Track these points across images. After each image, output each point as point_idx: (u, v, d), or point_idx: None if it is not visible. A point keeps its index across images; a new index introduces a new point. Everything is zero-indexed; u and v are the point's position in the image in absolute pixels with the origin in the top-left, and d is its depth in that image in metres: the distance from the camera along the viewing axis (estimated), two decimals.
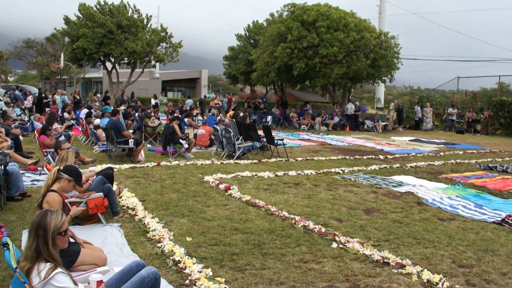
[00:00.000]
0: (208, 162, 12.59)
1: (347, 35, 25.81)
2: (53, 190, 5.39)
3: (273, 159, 13.60)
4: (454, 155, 16.61)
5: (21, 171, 8.59)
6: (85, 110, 19.46)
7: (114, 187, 7.61)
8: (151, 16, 31.99)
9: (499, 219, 7.64)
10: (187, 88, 53.14)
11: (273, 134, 14.98)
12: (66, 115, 20.68)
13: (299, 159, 13.96)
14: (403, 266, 5.27)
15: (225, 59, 41.31)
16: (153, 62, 32.50)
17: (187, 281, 4.79)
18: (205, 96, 36.48)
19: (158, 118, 17.36)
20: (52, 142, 11.26)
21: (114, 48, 28.70)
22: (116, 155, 12.73)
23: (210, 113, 21.82)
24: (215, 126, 15.44)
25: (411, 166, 13.29)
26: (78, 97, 26.49)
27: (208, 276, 4.85)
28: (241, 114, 18.13)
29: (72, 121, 20.18)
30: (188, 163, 12.27)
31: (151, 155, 13.52)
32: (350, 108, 28.41)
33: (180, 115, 17.09)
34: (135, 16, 30.77)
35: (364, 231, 6.71)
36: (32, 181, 9.69)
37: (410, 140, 21.88)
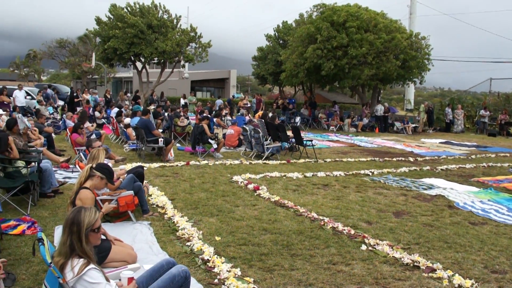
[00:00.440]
0: (236, 162, 12.63)
1: (377, 36, 25.59)
2: (85, 187, 5.48)
3: (302, 160, 13.57)
4: (486, 158, 16.27)
5: (53, 169, 8.75)
6: (115, 109, 19.72)
7: None
8: (180, 16, 32.24)
9: None
10: (216, 88, 53.31)
11: (301, 134, 14.94)
12: (97, 114, 20.98)
13: (328, 160, 13.89)
14: (433, 270, 5.20)
15: (254, 60, 41.32)
16: (182, 62, 32.72)
17: (216, 280, 4.82)
18: (233, 96, 36.55)
19: (187, 118, 17.48)
20: (83, 141, 11.44)
21: (144, 48, 28.99)
22: (146, 154, 12.87)
23: (239, 113, 21.86)
24: (244, 126, 15.47)
25: (441, 169, 13.09)
26: (109, 97, 26.85)
27: (237, 276, 4.86)
28: (270, 115, 18.12)
29: (103, 120, 20.47)
30: (217, 162, 12.32)
31: (180, 155, 13.63)
32: (380, 109, 28.12)
33: (209, 115, 17.17)
34: (165, 16, 31.02)
35: (394, 233, 6.64)
36: (64, 178, 9.87)
37: (440, 143, 21.55)
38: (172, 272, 3.76)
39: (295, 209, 7.74)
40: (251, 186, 9.30)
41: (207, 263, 5.21)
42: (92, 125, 15.87)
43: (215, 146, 13.37)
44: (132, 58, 31.05)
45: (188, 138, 16.09)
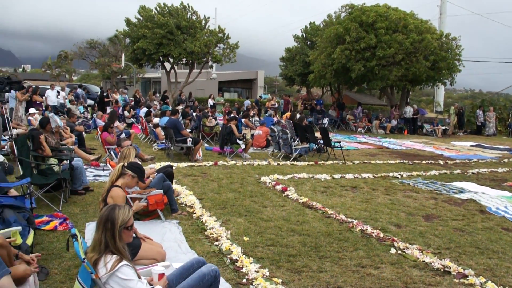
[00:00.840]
0: (264, 162, 12.63)
1: (406, 37, 25.30)
2: (117, 185, 5.55)
3: (330, 162, 13.51)
4: None
5: (84, 167, 8.89)
6: (144, 109, 19.91)
7: None
8: (209, 17, 32.39)
9: None
10: (243, 88, 53.48)
11: (329, 136, 14.88)
12: (126, 113, 21.23)
13: (356, 162, 13.80)
14: (465, 276, 5.11)
15: (282, 60, 41.29)
16: (210, 63, 32.87)
17: (244, 280, 4.83)
18: (260, 97, 36.59)
19: (215, 118, 17.56)
20: (113, 140, 11.59)
21: (173, 48, 29.22)
22: (175, 153, 12.97)
23: (267, 114, 21.86)
24: (272, 127, 15.46)
25: (472, 173, 12.87)
26: (138, 97, 27.14)
27: (265, 276, 4.87)
28: (298, 116, 18.08)
29: (132, 119, 20.72)
30: (245, 163, 12.35)
31: (208, 155, 13.69)
32: (409, 111, 27.82)
33: (237, 116, 17.22)
34: (194, 17, 31.21)
35: (424, 237, 6.56)
36: (94, 176, 10.03)
37: (471, 146, 21.20)
38: (202, 271, 3.78)
39: (324, 210, 7.71)
40: (279, 187, 9.30)
41: (235, 263, 5.22)
42: (123, 124, 16.06)
43: (243, 146, 13.41)
44: (161, 58, 31.32)
45: (216, 138, 16.16)
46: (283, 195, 8.82)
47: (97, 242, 3.40)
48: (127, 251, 3.52)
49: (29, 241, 5.10)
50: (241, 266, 5.12)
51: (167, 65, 33.02)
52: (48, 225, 6.36)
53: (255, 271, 4.97)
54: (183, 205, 7.74)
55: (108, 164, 8.21)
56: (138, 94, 28.05)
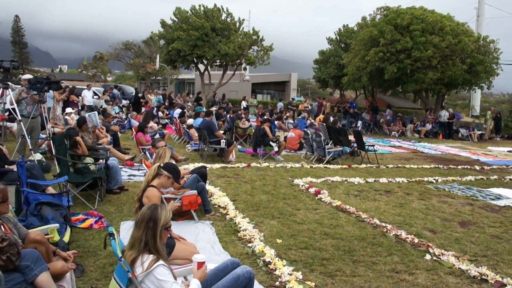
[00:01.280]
0: (297, 165, 12.59)
1: (442, 39, 24.90)
2: (152, 185, 5.61)
3: (363, 165, 13.38)
4: None
5: (119, 166, 9.02)
6: (178, 110, 20.08)
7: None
8: (243, 19, 32.52)
9: None
10: (276, 91, 53.44)
11: (363, 139, 14.74)
12: (160, 114, 21.44)
13: (390, 166, 13.65)
14: (503, 285, 5.00)
15: (315, 63, 41.15)
16: (244, 65, 32.98)
17: (277, 283, 4.82)
18: (293, 99, 36.50)
19: (248, 120, 17.59)
20: (148, 140, 11.72)
21: (208, 50, 29.41)
22: (208, 154, 13.04)
23: (300, 117, 21.80)
24: (305, 129, 15.41)
25: (510, 179, 12.58)
26: (173, 98, 27.37)
27: (298, 279, 4.85)
28: (332, 119, 17.98)
29: (166, 120, 20.91)
30: (278, 165, 12.34)
31: (241, 156, 13.73)
32: (444, 115, 27.34)
33: (270, 118, 17.21)
34: (228, 19, 31.36)
35: (460, 244, 6.44)
36: (129, 175, 10.15)
37: (508, 151, 20.71)
38: (236, 273, 3.78)
39: (357, 214, 7.65)
40: (312, 190, 9.26)
41: (269, 265, 5.22)
42: (158, 126, 16.22)
43: (276, 148, 13.40)
44: (195, 60, 31.54)
45: (249, 140, 16.18)
46: (316, 198, 8.78)
47: (136, 240, 3.42)
48: (165, 251, 3.54)
49: (66, 238, 5.19)
50: (274, 269, 5.12)
51: (201, 67, 33.26)
52: (83, 223, 6.47)
53: (288, 274, 4.96)
54: (216, 206, 7.78)
55: (143, 164, 8.32)
56: (177, 97, 28.25)
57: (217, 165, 11.71)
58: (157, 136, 13.32)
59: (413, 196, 9.61)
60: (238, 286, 3.73)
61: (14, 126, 13.22)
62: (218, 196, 8.27)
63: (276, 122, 17.88)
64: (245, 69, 35.03)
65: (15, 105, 10.22)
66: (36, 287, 3.61)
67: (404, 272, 5.29)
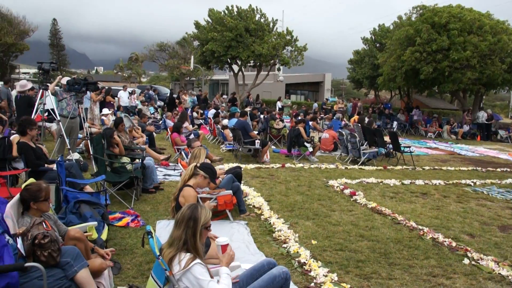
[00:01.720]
0: (332, 166, 12.52)
1: (481, 38, 24.35)
2: (189, 185, 5.65)
3: (399, 167, 13.21)
4: None
5: (154, 166, 9.12)
6: (212, 111, 20.22)
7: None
8: (276, 20, 32.46)
9: None
10: (310, 91, 53.21)
11: (399, 140, 14.56)
12: (195, 114, 21.61)
13: (426, 168, 13.43)
14: None
15: (350, 63, 40.85)
16: (278, 65, 32.92)
17: (312, 284, 4.80)
18: (327, 99, 36.31)
19: (282, 121, 17.57)
20: (183, 141, 11.83)
21: (242, 51, 29.47)
22: (242, 155, 13.07)
23: (335, 117, 21.65)
24: (340, 130, 15.31)
25: None
26: (207, 99, 27.53)
27: (333, 281, 4.82)
28: (367, 119, 17.82)
29: (200, 120, 21.06)
30: (312, 166, 12.30)
31: (275, 157, 13.72)
32: (482, 116, 26.71)
33: (304, 118, 17.16)
34: (262, 20, 31.36)
35: (500, 249, 6.28)
36: (164, 175, 10.26)
37: None
38: (273, 273, 3.78)
39: (393, 216, 7.55)
40: (347, 191, 9.19)
41: (303, 266, 5.20)
42: (194, 127, 16.35)
43: (310, 149, 13.35)
44: (229, 60, 31.66)
45: (283, 140, 16.17)
46: (352, 199, 8.71)
47: (176, 239, 3.45)
48: (203, 251, 3.57)
49: (104, 236, 5.28)
50: (309, 270, 5.10)
51: (235, 68, 33.36)
52: (120, 221, 6.57)
53: (324, 275, 4.93)
54: (251, 206, 7.79)
55: (179, 164, 8.38)
56: (217, 98, 28.38)
57: (251, 166, 11.74)
58: (192, 136, 13.43)
59: (451, 198, 9.44)
60: (274, 287, 3.72)
61: (53, 126, 13.54)
62: (253, 197, 8.28)
63: (310, 123, 17.82)
64: (279, 69, 34.89)
65: (54, 106, 10.48)
66: (76, 283, 3.68)
67: (441, 276, 5.20)
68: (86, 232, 4.72)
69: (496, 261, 5.62)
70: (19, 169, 7.41)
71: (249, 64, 32.86)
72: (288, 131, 14.81)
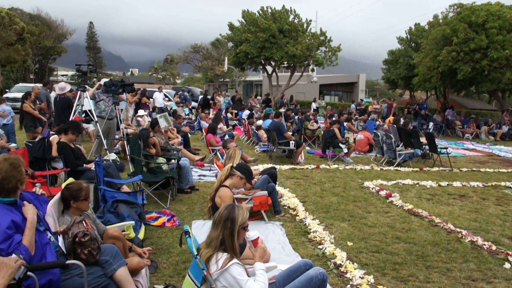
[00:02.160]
0: (367, 167, 12.42)
1: None
2: (225, 185, 5.69)
3: (436, 168, 13.00)
4: None
5: (190, 166, 9.20)
6: (247, 112, 20.28)
7: None
8: (310, 20, 32.34)
9: None
10: (344, 92, 52.85)
11: (435, 142, 14.32)
12: (229, 115, 21.71)
13: (464, 169, 13.18)
14: None
15: (385, 63, 40.39)
16: (311, 66, 32.79)
17: (348, 286, 4.77)
18: (361, 100, 35.99)
19: (317, 122, 17.51)
20: (217, 142, 11.91)
21: (275, 52, 29.45)
22: (276, 156, 13.07)
23: (370, 118, 21.45)
24: (375, 131, 15.16)
25: None
26: (242, 100, 27.62)
27: (369, 283, 4.78)
28: (402, 120, 17.59)
29: (234, 121, 21.14)
30: (347, 167, 12.22)
31: (310, 158, 13.68)
32: None
33: (339, 119, 17.05)
34: (296, 21, 31.29)
35: None
36: (199, 176, 10.34)
37: None
38: (309, 274, 3.77)
39: (430, 219, 7.44)
40: (383, 193, 9.09)
41: (339, 268, 5.17)
42: (228, 127, 16.44)
43: (345, 150, 13.26)
44: (263, 62, 31.68)
45: (317, 141, 16.11)
46: (387, 201, 8.62)
47: (213, 239, 3.48)
48: (239, 251, 3.59)
49: (141, 235, 5.36)
50: (345, 271, 5.06)
51: (269, 69, 33.37)
52: (157, 221, 6.65)
53: (360, 277, 4.89)
54: (286, 207, 7.79)
55: (214, 164, 8.44)
56: (247, 98, 28.46)
57: (286, 167, 11.73)
58: (227, 137, 13.50)
59: (490, 201, 9.24)
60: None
61: (90, 127, 13.80)
62: (288, 198, 8.28)
63: (345, 124, 17.70)
64: (312, 70, 34.75)
65: (92, 107, 10.67)
66: (115, 281, 3.74)
67: (481, 280, 5.09)
68: (124, 231, 4.80)
69: None
70: (58, 169, 7.58)
71: (282, 65, 32.82)
72: (322, 132, 14.74)
